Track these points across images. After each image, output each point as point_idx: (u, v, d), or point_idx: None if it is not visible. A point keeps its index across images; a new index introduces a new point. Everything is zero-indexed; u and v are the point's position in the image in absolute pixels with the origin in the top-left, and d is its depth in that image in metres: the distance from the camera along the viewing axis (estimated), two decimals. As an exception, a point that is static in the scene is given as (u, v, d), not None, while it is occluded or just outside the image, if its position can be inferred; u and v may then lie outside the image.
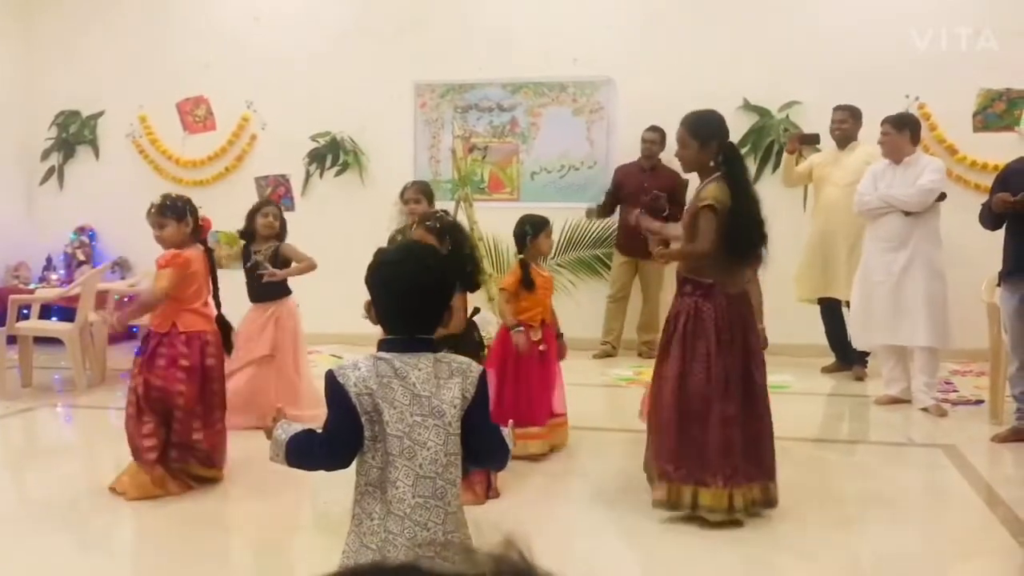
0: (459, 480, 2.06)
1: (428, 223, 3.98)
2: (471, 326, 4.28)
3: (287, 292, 5.43)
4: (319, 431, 2.06)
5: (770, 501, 3.74)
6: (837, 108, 6.57)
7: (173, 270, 4.08)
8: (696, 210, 3.70)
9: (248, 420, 4.85)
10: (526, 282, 4.62)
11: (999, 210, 4.95)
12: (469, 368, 2.08)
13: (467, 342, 4.05)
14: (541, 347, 4.57)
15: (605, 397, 6.32)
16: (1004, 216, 4.98)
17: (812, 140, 6.77)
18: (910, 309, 5.51)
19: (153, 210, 4.16)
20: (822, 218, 6.56)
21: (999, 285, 5.15)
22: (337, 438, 2.01)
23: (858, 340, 6.02)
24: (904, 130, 5.61)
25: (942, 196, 5.51)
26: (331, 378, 1.98)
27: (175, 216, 4.14)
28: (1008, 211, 4.92)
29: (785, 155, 6.88)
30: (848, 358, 6.63)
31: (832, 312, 6.63)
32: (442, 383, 2.02)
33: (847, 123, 6.51)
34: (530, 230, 4.66)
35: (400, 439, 1.96)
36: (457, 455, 2.03)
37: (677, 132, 3.87)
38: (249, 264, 5.37)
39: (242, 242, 5.51)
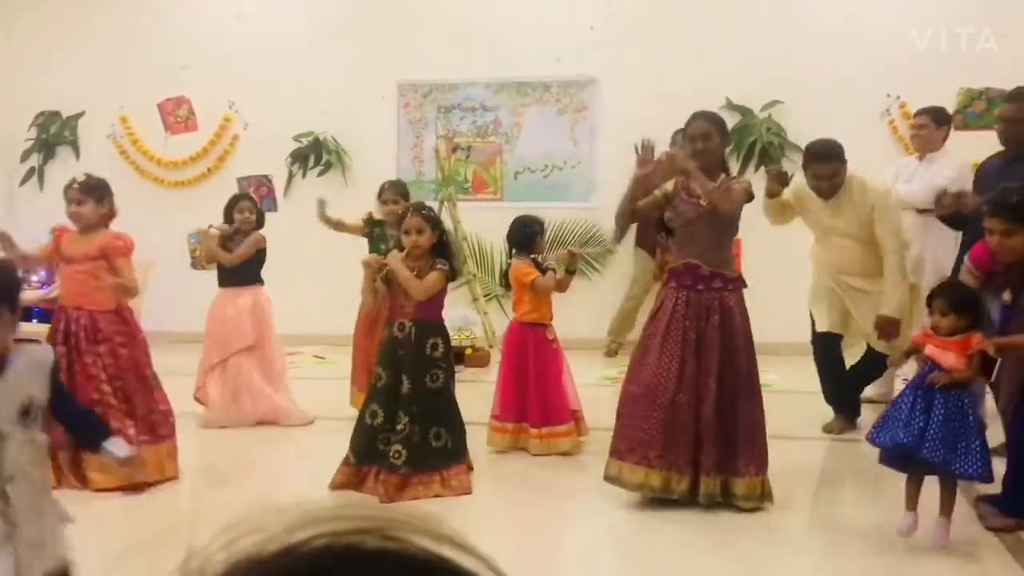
0: None
1: (424, 211, 4.16)
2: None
3: (260, 281, 5.47)
4: None
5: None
6: (818, 159, 4.81)
7: (128, 260, 4.13)
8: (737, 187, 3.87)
9: (230, 417, 4.96)
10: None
11: (940, 214, 4.63)
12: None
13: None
14: (555, 345, 4.68)
15: (590, 396, 6.30)
16: (961, 217, 4.55)
17: (783, 180, 4.89)
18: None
19: (76, 185, 4.14)
20: (828, 271, 5.14)
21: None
22: None
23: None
24: (943, 126, 5.38)
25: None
26: None
27: (95, 196, 4.13)
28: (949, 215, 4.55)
29: (765, 200, 4.99)
30: (847, 411, 5.30)
31: (829, 355, 5.25)
32: None
33: (839, 176, 4.78)
34: (539, 228, 4.81)
35: None
36: None
37: (698, 125, 3.94)
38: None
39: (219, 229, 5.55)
